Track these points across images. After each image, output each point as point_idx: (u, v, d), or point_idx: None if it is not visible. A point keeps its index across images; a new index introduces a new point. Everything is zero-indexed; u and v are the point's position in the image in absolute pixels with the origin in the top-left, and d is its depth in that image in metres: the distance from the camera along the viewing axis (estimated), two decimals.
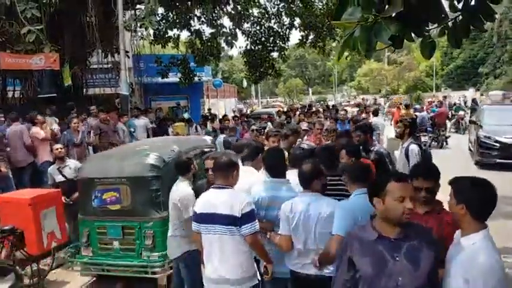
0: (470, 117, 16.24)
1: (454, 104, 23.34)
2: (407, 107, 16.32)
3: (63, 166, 5.80)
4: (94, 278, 4.39)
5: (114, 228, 4.16)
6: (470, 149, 12.33)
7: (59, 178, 5.72)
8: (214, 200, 2.94)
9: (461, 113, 18.48)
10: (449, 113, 18.99)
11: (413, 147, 4.91)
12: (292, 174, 3.26)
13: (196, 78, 14.20)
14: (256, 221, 2.92)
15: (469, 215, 1.95)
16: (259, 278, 3.10)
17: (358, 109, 15.92)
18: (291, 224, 2.89)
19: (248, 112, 19.18)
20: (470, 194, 1.97)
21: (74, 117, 7.94)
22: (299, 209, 2.87)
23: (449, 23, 2.92)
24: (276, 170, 3.29)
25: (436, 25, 2.95)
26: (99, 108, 8.93)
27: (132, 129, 9.45)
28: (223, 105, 25.00)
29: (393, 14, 2.20)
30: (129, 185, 4.13)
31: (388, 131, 11.43)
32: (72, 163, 5.92)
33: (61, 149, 5.94)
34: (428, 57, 3.03)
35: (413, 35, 2.64)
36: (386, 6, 2.18)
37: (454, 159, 11.39)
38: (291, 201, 2.96)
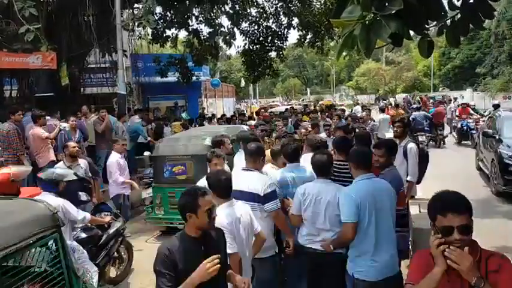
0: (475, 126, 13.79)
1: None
2: (397, 106, 16.51)
3: (75, 165, 5.55)
4: (161, 232, 6.36)
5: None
6: (479, 168, 9.69)
7: (71, 177, 4.70)
8: (241, 180, 3.33)
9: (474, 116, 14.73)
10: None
11: (412, 146, 4.92)
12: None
13: (194, 78, 14.18)
14: (278, 199, 3.35)
15: None
16: (277, 251, 3.45)
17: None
18: (302, 205, 3.31)
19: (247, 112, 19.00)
20: None
21: (71, 115, 7.89)
22: (311, 193, 3.28)
23: (448, 22, 2.92)
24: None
25: (435, 23, 2.94)
26: (94, 107, 8.89)
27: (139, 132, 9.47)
28: (221, 105, 24.96)
29: (392, 12, 2.19)
30: (192, 161, 5.77)
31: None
32: (82, 163, 5.73)
33: (76, 147, 5.71)
34: (426, 56, 3.02)
35: (412, 33, 2.64)
36: (386, 4, 2.16)
37: (460, 178, 9.01)
38: (304, 185, 3.39)
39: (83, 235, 4.48)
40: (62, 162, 5.70)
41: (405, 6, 2.06)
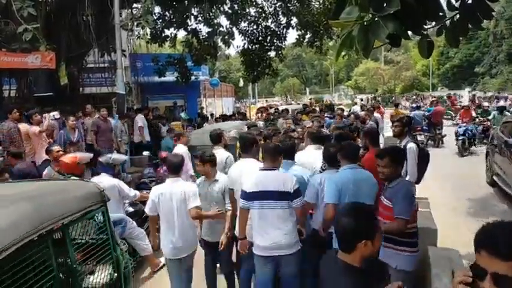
0: (483, 133, 12.66)
1: (480, 107, 16.61)
2: (396, 106, 16.51)
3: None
4: None
5: None
6: (493, 184, 8.17)
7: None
8: (266, 180, 3.45)
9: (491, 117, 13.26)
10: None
11: (412, 146, 4.91)
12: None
13: (193, 78, 14.18)
14: (302, 196, 3.52)
15: None
16: (300, 246, 3.56)
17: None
18: (320, 194, 3.63)
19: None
20: None
21: (70, 115, 7.87)
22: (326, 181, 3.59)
23: (447, 22, 2.94)
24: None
25: (433, 23, 2.96)
26: (94, 106, 8.89)
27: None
28: (220, 105, 24.97)
29: (391, 12, 2.20)
30: None
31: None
32: None
33: (60, 151, 5.56)
34: (426, 56, 3.04)
35: (410, 33, 2.65)
36: (384, 5, 2.18)
37: (459, 178, 9.02)
38: (320, 175, 3.78)
39: (131, 209, 5.40)
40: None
41: (403, 7, 2.07)
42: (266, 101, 45.61)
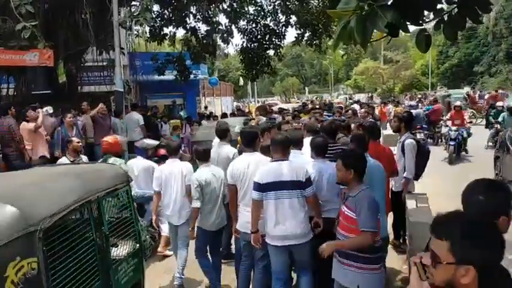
0: (494, 139, 11.25)
1: (492, 107, 15.40)
2: (397, 104, 16.69)
3: (78, 160, 5.59)
4: None
5: None
6: None
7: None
8: (279, 171, 3.55)
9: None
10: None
11: (409, 142, 4.93)
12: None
13: (192, 76, 14.16)
14: (313, 184, 3.64)
15: None
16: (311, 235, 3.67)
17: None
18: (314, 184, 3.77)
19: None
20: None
21: (68, 112, 7.83)
22: (314, 171, 3.83)
23: (445, 17, 2.93)
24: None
25: (432, 17, 2.96)
26: (89, 104, 8.87)
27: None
28: (219, 104, 24.96)
29: (389, 2, 2.19)
30: None
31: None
32: (84, 158, 5.80)
33: (80, 142, 5.88)
34: (424, 51, 3.03)
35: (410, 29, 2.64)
36: None
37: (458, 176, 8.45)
38: (311, 164, 3.91)
39: None
40: (64, 157, 5.81)
41: None
42: (266, 100, 45.59)
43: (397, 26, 2.23)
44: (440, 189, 7.69)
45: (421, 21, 2.49)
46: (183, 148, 9.05)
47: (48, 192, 2.38)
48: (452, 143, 10.80)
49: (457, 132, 10.86)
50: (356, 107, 16.65)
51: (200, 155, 4.43)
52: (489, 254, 1.30)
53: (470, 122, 11.40)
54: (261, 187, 3.54)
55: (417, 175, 5.14)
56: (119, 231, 3.16)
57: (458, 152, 10.94)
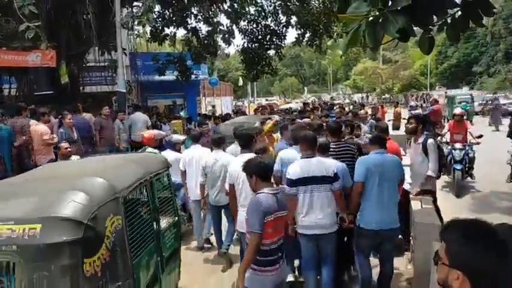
0: None
1: None
2: (396, 105, 16.75)
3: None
4: None
5: None
6: None
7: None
8: (309, 167, 3.80)
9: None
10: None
11: (431, 141, 5.00)
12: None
13: (192, 76, 14.19)
14: (341, 179, 3.83)
15: None
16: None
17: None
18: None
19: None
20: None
21: (67, 114, 7.83)
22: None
23: (448, 19, 2.97)
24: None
25: (436, 19, 3.00)
26: (83, 105, 8.92)
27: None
28: (219, 104, 24.99)
29: (399, 8, 2.23)
30: None
31: None
32: (76, 159, 5.87)
33: (68, 148, 5.91)
34: (427, 53, 3.07)
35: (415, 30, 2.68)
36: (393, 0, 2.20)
37: None
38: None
39: None
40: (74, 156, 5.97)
41: (412, 2, 2.09)
42: (266, 99, 45.60)
43: (407, 31, 2.27)
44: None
45: (430, 26, 2.51)
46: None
47: (122, 172, 3.15)
48: (458, 167, 7.79)
49: (463, 152, 7.89)
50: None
51: (215, 142, 5.19)
52: (484, 261, 1.24)
53: (480, 136, 8.11)
54: (293, 182, 3.81)
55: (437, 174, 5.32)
56: (163, 206, 3.83)
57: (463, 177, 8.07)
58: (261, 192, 2.98)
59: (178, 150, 6.67)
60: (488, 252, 1.25)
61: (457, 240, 1.30)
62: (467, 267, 1.26)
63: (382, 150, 3.99)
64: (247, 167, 3.12)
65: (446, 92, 29.64)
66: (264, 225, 2.84)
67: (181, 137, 7.33)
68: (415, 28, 2.67)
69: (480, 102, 24.07)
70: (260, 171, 3.06)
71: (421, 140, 5.06)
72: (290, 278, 4.43)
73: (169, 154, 6.21)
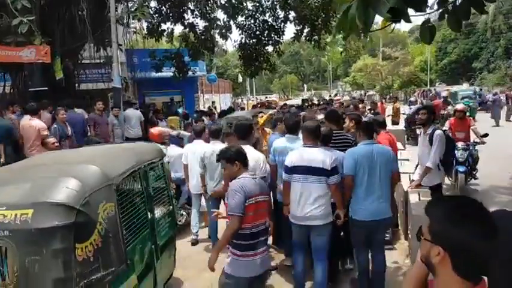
0: None
1: None
2: (395, 100, 16.79)
3: None
4: None
5: None
6: None
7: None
8: (307, 156, 3.77)
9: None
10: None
11: (439, 132, 4.99)
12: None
13: (190, 73, 14.07)
14: (339, 173, 3.78)
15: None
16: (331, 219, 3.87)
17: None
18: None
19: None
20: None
21: (60, 109, 7.75)
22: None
23: (449, 7, 2.89)
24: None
25: (436, 7, 2.92)
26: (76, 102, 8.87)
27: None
28: (218, 101, 24.90)
29: None
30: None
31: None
32: None
33: (55, 143, 5.97)
34: (428, 42, 3.01)
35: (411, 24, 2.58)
36: None
37: None
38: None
39: None
40: None
41: None
42: (266, 97, 45.53)
43: (399, 11, 2.18)
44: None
45: (423, 8, 2.42)
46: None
47: (115, 160, 3.21)
48: (461, 169, 7.03)
49: (466, 152, 7.18)
50: (355, 102, 16.73)
51: (212, 133, 5.42)
52: (465, 240, 1.20)
53: (485, 135, 7.45)
54: (288, 169, 3.82)
55: (447, 165, 5.31)
56: (157, 194, 3.89)
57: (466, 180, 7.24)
58: (242, 177, 3.04)
59: (182, 146, 6.91)
60: (471, 231, 1.22)
61: (440, 218, 1.28)
62: (448, 244, 1.25)
63: (371, 141, 3.97)
64: (229, 154, 3.16)
65: (449, 88, 29.26)
66: (245, 208, 2.89)
67: (188, 134, 7.68)
68: (413, 23, 2.59)
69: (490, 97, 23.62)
70: (242, 158, 3.15)
71: (429, 131, 5.02)
72: (287, 262, 4.60)
73: (174, 150, 6.66)
